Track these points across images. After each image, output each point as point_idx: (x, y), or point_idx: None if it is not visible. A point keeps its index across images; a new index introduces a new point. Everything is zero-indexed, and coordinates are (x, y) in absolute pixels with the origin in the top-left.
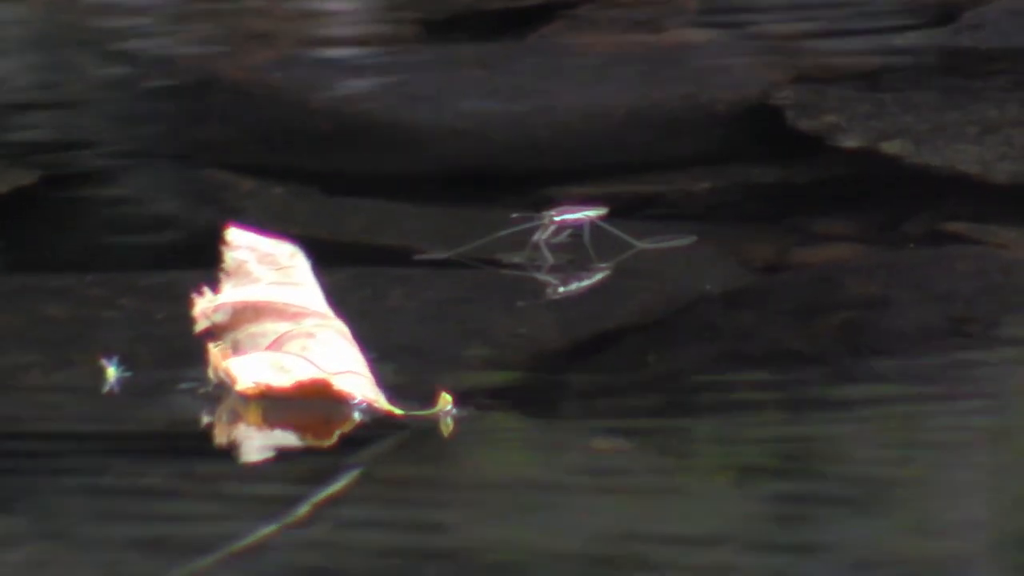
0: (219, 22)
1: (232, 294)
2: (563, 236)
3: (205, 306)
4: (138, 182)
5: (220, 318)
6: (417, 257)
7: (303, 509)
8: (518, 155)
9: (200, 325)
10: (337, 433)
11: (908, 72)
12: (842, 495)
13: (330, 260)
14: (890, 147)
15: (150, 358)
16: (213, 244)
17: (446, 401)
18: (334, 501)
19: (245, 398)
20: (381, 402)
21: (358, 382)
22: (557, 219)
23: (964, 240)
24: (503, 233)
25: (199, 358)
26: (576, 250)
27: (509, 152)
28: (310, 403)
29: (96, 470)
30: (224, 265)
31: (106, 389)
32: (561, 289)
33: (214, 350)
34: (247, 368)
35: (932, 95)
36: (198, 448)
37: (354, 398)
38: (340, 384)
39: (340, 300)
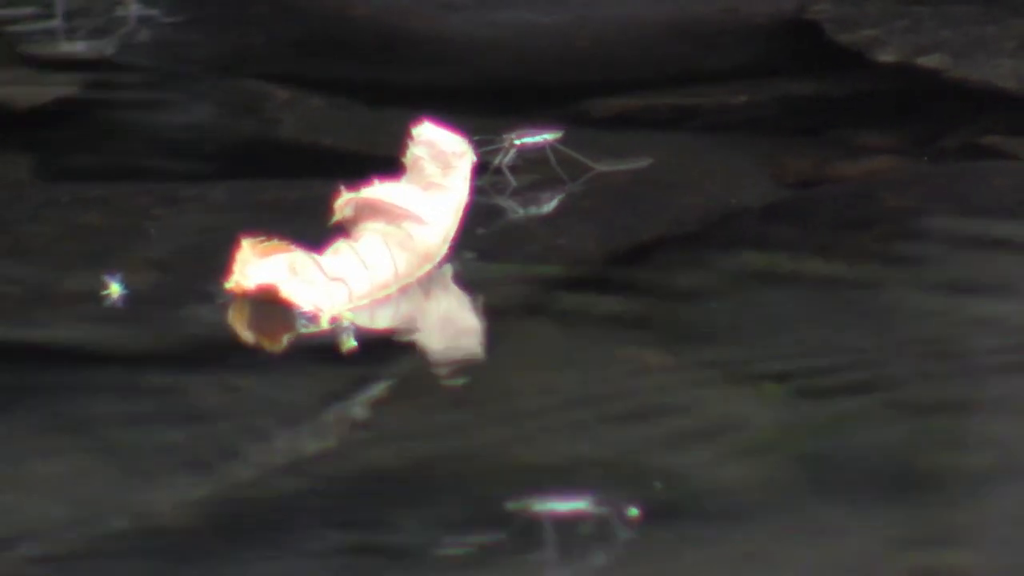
0: None
1: (365, 191)
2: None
3: (339, 201)
4: (177, 92)
5: (347, 213)
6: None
7: (333, 415)
8: (556, 67)
9: (333, 218)
10: (285, 338)
11: None
12: (886, 406)
13: (367, 172)
14: (928, 61)
15: (188, 268)
16: (251, 154)
17: (347, 319)
18: (364, 410)
19: (232, 295)
20: (324, 316)
21: (318, 291)
22: (517, 142)
23: (1001, 155)
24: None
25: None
26: (538, 172)
27: (547, 64)
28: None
29: (132, 380)
30: (404, 158)
31: (109, 304)
32: (521, 211)
33: (247, 247)
34: (261, 269)
35: (970, 9)
36: (231, 357)
37: (298, 307)
38: (288, 291)
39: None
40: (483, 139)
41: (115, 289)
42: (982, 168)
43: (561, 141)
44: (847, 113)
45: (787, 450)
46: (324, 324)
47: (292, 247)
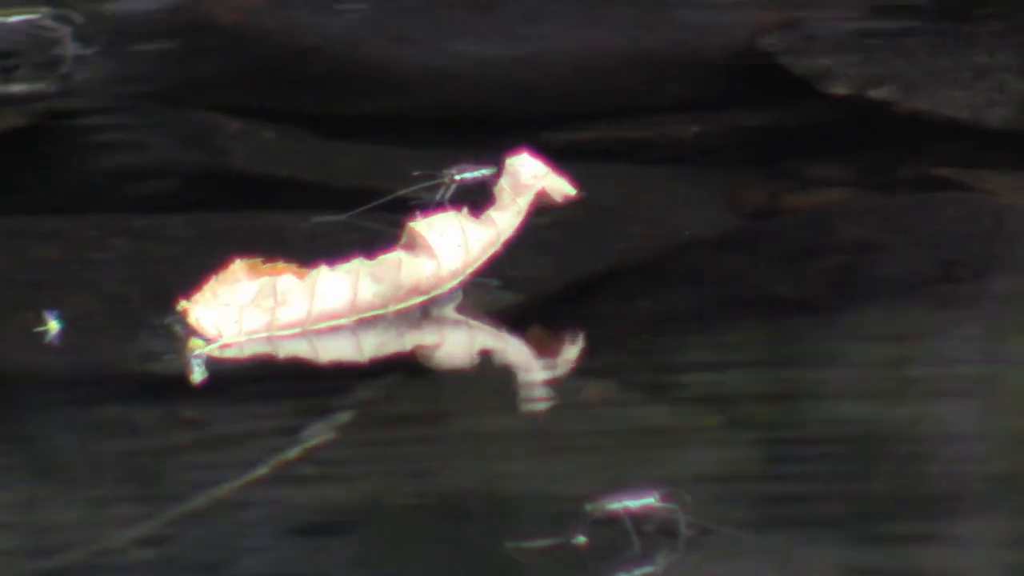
0: None
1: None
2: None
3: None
4: (129, 125)
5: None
6: (315, 219)
7: (292, 452)
8: (509, 99)
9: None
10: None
11: (899, 17)
12: (832, 438)
13: (320, 203)
14: (880, 92)
15: (142, 299)
16: (203, 185)
17: (197, 346)
18: (324, 444)
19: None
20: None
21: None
22: (457, 177)
23: (954, 185)
24: (404, 191)
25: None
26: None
27: (500, 95)
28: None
29: (85, 409)
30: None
31: (47, 340)
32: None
33: (237, 267)
34: (214, 317)
35: (923, 40)
36: (187, 388)
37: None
38: (195, 314)
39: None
40: (424, 174)
41: (53, 326)
42: (936, 199)
43: (497, 176)
44: (800, 144)
45: (726, 481)
46: (213, 349)
47: (282, 270)
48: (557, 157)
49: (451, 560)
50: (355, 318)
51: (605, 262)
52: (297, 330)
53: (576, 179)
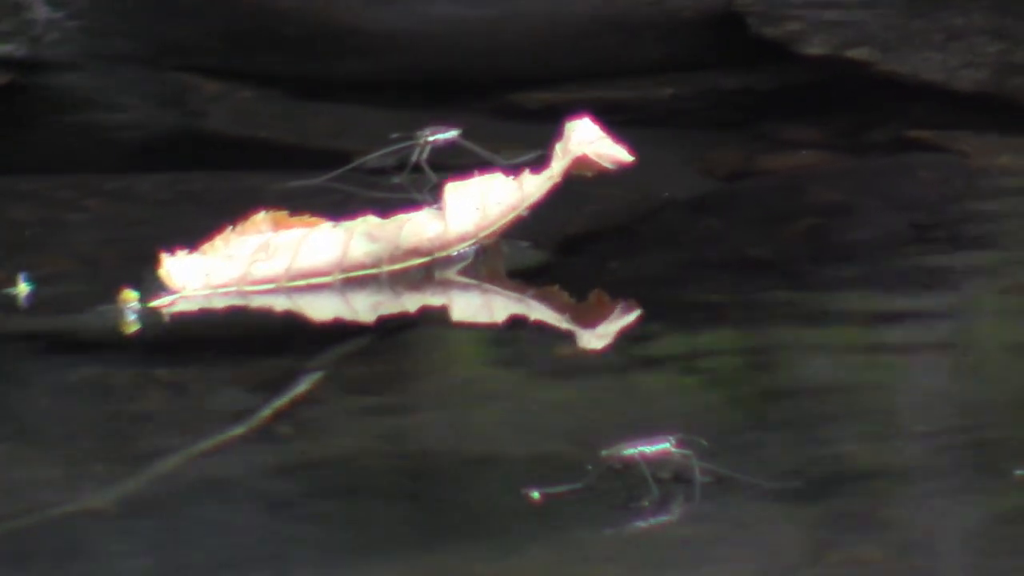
0: None
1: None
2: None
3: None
4: (104, 85)
5: None
6: (291, 184)
7: (266, 412)
8: (483, 60)
9: None
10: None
11: None
12: (804, 400)
13: (296, 164)
14: (855, 54)
15: (115, 260)
16: (178, 146)
17: (130, 297)
18: (296, 403)
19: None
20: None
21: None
22: (430, 139)
23: (928, 147)
24: (376, 154)
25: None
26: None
27: (474, 57)
28: None
29: (60, 371)
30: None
31: (19, 303)
32: (430, 204)
33: (262, 217)
34: (185, 270)
35: (897, 2)
36: (162, 350)
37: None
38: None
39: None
40: (401, 136)
41: (23, 288)
42: (909, 161)
43: (479, 134)
44: (774, 106)
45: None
46: (153, 302)
47: (306, 223)
48: (530, 118)
49: (424, 517)
50: (343, 276)
51: (579, 224)
52: (271, 286)
53: (547, 141)
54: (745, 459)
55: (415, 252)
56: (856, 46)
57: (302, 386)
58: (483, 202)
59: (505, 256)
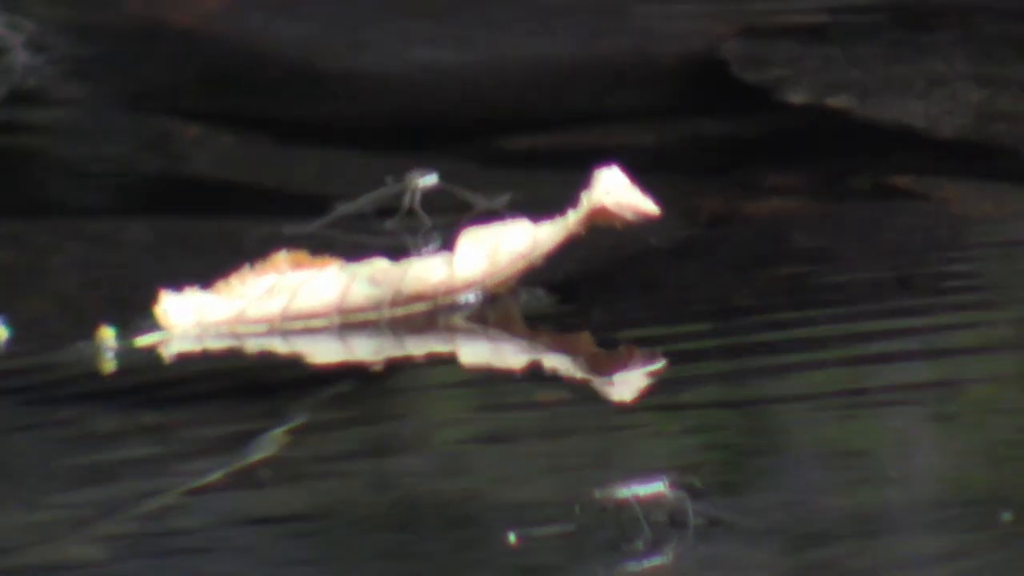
0: None
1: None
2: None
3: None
4: (85, 128)
5: None
6: (287, 231)
7: (246, 457)
8: (466, 105)
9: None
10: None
11: (855, 26)
12: (785, 447)
13: (278, 208)
14: (837, 101)
15: (97, 303)
16: (161, 190)
17: (107, 335)
18: (277, 449)
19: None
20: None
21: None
22: (420, 183)
23: (910, 194)
24: (365, 198)
25: (146, 303)
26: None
27: (456, 102)
28: None
29: (40, 412)
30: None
31: None
32: (427, 250)
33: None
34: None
35: (879, 49)
36: (144, 393)
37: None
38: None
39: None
40: (394, 181)
41: (2, 332)
42: (891, 208)
43: (463, 179)
44: (757, 153)
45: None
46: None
47: (325, 264)
48: (513, 163)
49: (409, 563)
50: (341, 320)
51: (562, 270)
52: (266, 326)
53: (531, 186)
54: (731, 505)
55: (418, 297)
56: (838, 93)
57: (283, 430)
58: (494, 249)
59: (519, 303)
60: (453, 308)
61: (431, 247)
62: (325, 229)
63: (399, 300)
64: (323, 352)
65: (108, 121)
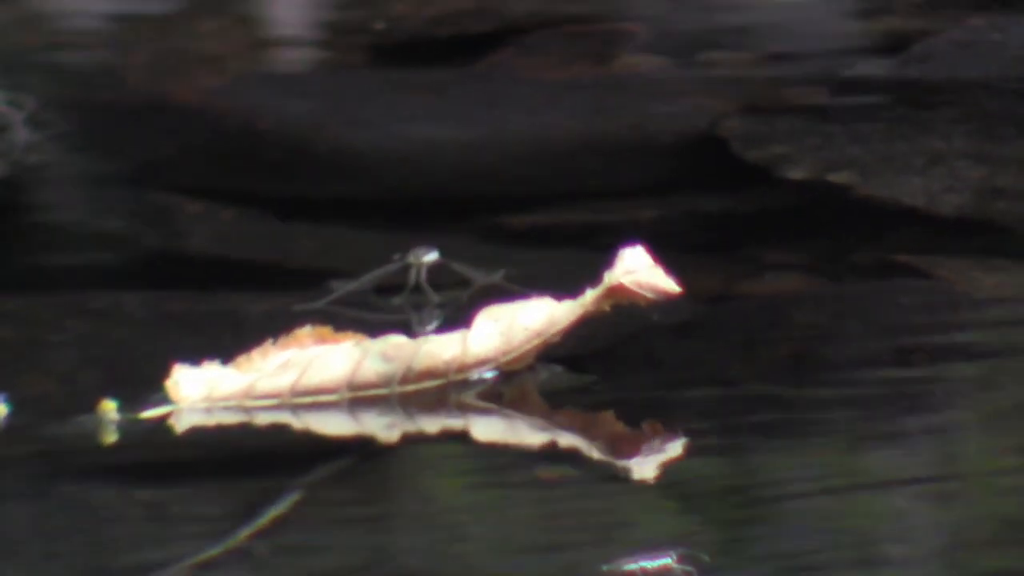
0: (168, 44)
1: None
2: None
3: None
4: (86, 205)
5: None
6: (296, 308)
7: (245, 532)
8: (466, 182)
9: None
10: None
11: (855, 103)
12: (787, 524)
13: (278, 284)
14: (837, 178)
15: (98, 379)
16: (161, 266)
17: (108, 408)
18: (275, 524)
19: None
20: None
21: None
22: (425, 259)
23: (910, 272)
24: (371, 275)
25: (146, 379)
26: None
27: (456, 178)
28: None
29: (38, 489)
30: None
31: None
32: (430, 327)
33: (306, 332)
34: (194, 380)
35: (879, 126)
36: (142, 469)
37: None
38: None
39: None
40: (399, 258)
41: (1, 409)
42: (891, 285)
43: (462, 256)
44: (757, 230)
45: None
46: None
47: (346, 339)
48: (514, 240)
49: None
50: (351, 396)
51: (562, 348)
52: (275, 401)
53: (531, 263)
54: None
55: (429, 374)
56: (838, 170)
57: (282, 506)
58: (509, 326)
59: (537, 380)
60: (466, 385)
61: (435, 323)
62: (332, 306)
63: (410, 377)
64: (328, 427)
65: (109, 197)
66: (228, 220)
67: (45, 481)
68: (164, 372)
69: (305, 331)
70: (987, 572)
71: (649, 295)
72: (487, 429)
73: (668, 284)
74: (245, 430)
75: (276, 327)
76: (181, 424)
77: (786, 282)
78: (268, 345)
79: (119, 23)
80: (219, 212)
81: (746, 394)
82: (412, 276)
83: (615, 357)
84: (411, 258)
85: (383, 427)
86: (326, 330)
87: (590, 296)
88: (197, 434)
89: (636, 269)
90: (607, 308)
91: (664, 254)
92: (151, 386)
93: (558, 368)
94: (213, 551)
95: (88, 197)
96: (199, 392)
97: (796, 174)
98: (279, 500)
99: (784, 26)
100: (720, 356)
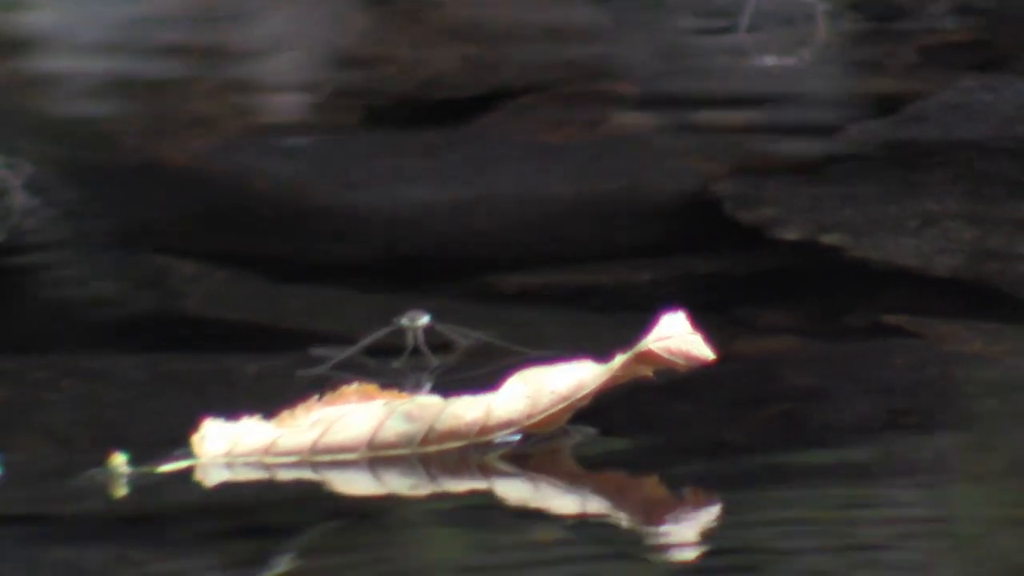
0: (161, 105)
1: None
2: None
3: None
4: (78, 265)
5: None
6: (300, 373)
7: None
8: (458, 243)
9: None
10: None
11: (848, 165)
12: None
13: (271, 345)
14: (829, 239)
15: (91, 441)
16: (155, 327)
17: (118, 462)
18: None
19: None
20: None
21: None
22: (423, 321)
23: (903, 333)
24: (369, 339)
25: (141, 441)
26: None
27: (449, 239)
28: None
29: (31, 552)
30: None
31: None
32: (424, 390)
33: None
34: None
35: (872, 188)
36: (135, 532)
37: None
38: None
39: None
40: (396, 321)
41: None
42: (884, 346)
43: (453, 318)
44: (749, 291)
45: None
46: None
47: (394, 396)
48: (505, 301)
49: None
50: (371, 455)
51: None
52: (295, 458)
53: (523, 325)
54: None
55: (451, 435)
56: (831, 231)
57: (276, 569)
58: (537, 390)
59: (569, 443)
60: (490, 447)
61: (428, 386)
62: (333, 371)
63: (432, 438)
64: (343, 486)
65: (102, 260)
66: (222, 281)
67: (36, 544)
68: (160, 431)
69: (351, 388)
70: None
71: (680, 362)
72: (503, 491)
73: (704, 352)
74: (250, 487)
75: (269, 388)
76: (187, 480)
77: (778, 343)
78: (313, 401)
79: (112, 85)
80: (213, 273)
81: (737, 454)
82: (409, 339)
83: (605, 417)
84: (406, 321)
85: (401, 486)
86: (372, 387)
87: (619, 361)
88: (196, 489)
89: (671, 335)
90: (647, 373)
91: (659, 315)
92: (147, 445)
93: (591, 430)
94: None
95: (81, 260)
96: (222, 447)
97: (788, 235)
98: (271, 564)
99: (776, 87)
100: (711, 416)
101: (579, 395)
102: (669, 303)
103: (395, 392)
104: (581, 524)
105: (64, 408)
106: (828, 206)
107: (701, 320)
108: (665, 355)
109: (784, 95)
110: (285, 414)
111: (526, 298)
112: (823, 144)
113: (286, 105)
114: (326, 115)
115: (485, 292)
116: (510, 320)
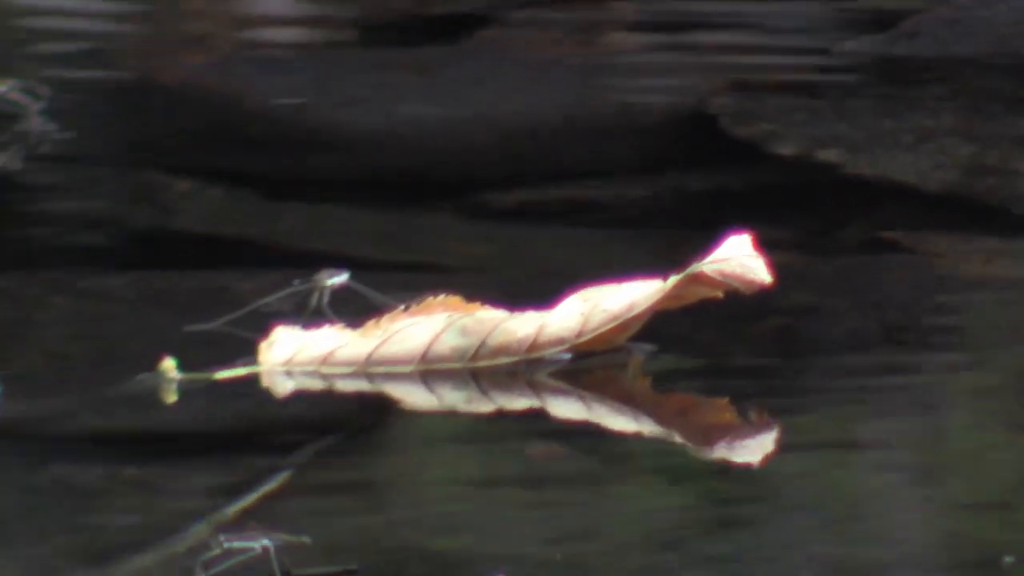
0: (155, 24)
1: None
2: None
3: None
4: (74, 184)
5: None
6: (187, 328)
7: (234, 508)
8: (453, 160)
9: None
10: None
11: (844, 80)
12: (773, 499)
13: (266, 262)
14: (825, 155)
15: (85, 358)
16: (149, 244)
17: (169, 367)
18: (266, 500)
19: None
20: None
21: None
22: (328, 283)
23: (898, 248)
24: (269, 299)
25: (135, 358)
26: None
27: (444, 157)
28: None
29: (30, 470)
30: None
31: None
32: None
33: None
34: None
35: (868, 103)
36: (130, 449)
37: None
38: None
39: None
40: (302, 281)
41: None
42: (879, 262)
43: (449, 234)
44: (745, 207)
45: (669, 540)
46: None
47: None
48: (500, 218)
49: None
50: (423, 368)
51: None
52: (350, 369)
53: (517, 241)
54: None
55: (502, 351)
56: (827, 147)
57: (272, 484)
58: (592, 308)
59: (630, 360)
60: (543, 363)
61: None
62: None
63: (483, 353)
64: (399, 393)
65: (97, 176)
66: (216, 198)
67: (34, 460)
68: (153, 349)
69: (437, 300)
70: (982, 539)
71: (737, 285)
72: (543, 406)
73: (763, 275)
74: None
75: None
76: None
77: (774, 259)
78: (399, 311)
79: (106, 5)
80: (207, 190)
81: (732, 370)
82: (314, 299)
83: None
84: (316, 281)
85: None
86: (457, 299)
87: (671, 282)
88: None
89: (729, 257)
90: (716, 294)
91: (653, 231)
92: (140, 363)
93: (647, 347)
94: (201, 529)
95: (76, 176)
96: (284, 355)
97: (785, 150)
98: (268, 478)
99: (773, 4)
100: (708, 333)
101: (630, 315)
102: (664, 218)
103: (479, 305)
104: (579, 435)
105: (57, 325)
106: (824, 122)
107: (697, 236)
108: (718, 278)
109: (780, 12)
110: (371, 323)
111: (520, 214)
112: (819, 60)
113: (279, 23)
114: (321, 32)
115: (480, 209)
116: (503, 236)
